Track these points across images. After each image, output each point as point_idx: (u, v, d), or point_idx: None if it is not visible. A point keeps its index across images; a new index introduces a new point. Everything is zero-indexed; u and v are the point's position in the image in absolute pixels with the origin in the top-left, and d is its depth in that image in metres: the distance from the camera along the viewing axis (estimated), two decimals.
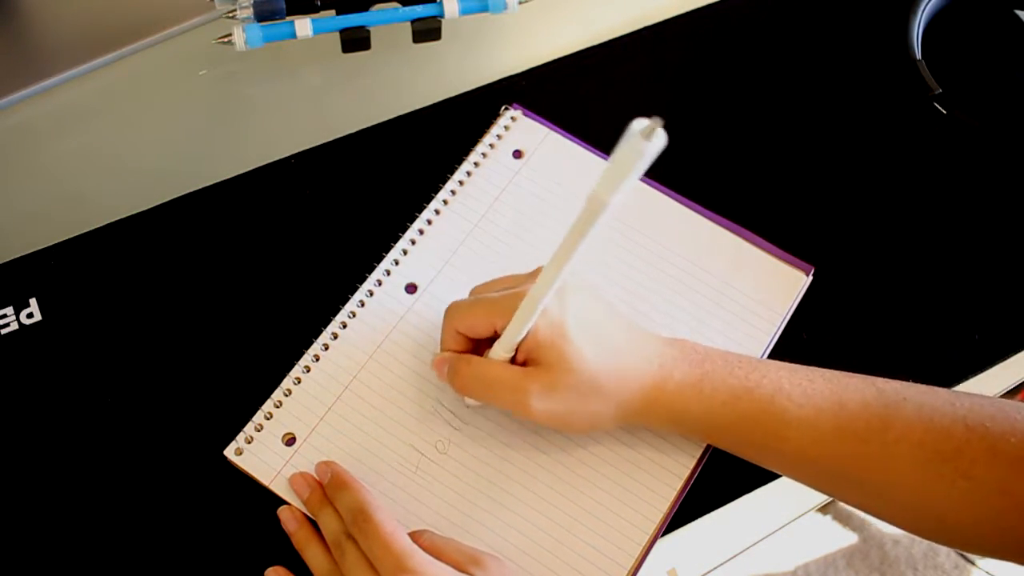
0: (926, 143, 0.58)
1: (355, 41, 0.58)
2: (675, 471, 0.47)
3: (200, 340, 0.50)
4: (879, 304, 0.53)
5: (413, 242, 0.53)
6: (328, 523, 0.44)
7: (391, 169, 0.56)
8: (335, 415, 0.48)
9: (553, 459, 0.47)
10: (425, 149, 0.57)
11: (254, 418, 0.48)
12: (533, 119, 0.57)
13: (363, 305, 0.51)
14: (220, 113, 0.59)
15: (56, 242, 0.53)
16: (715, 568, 0.48)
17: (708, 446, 0.47)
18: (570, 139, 0.56)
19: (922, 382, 0.50)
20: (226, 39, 0.56)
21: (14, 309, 0.51)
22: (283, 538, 0.45)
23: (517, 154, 0.55)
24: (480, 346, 0.46)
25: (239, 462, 0.46)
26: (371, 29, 0.58)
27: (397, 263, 0.52)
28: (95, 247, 0.53)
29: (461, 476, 0.47)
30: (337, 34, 0.57)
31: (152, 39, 0.60)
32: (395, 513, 0.45)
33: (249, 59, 0.60)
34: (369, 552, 0.41)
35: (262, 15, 0.56)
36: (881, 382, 0.43)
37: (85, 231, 0.53)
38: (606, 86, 0.59)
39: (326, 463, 0.46)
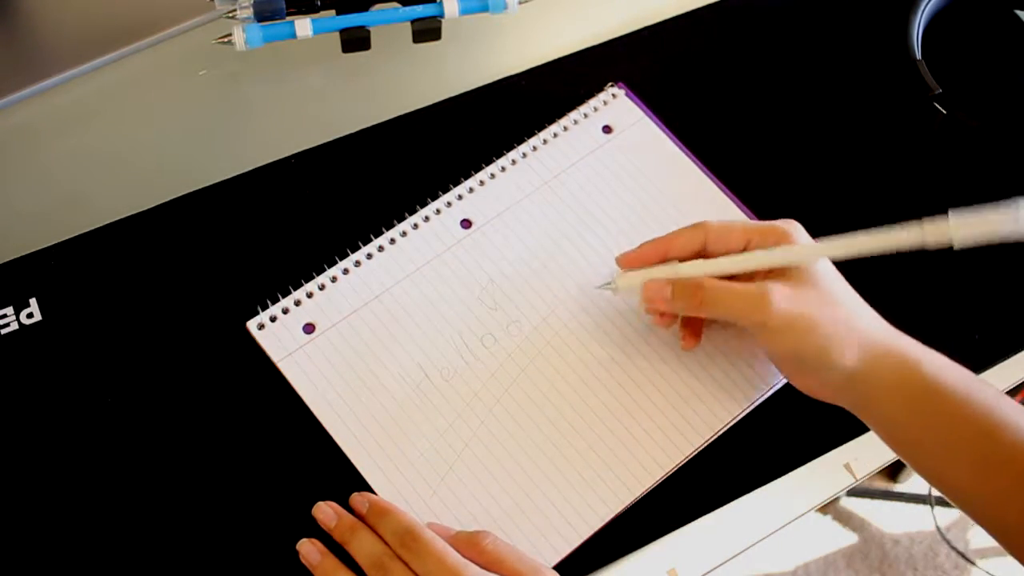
0: (926, 143, 0.58)
1: (355, 41, 0.58)
2: (657, 464, 0.47)
3: (200, 340, 0.50)
4: (878, 304, 0.53)
5: (482, 183, 0.54)
6: (365, 546, 0.44)
7: (391, 169, 0.56)
8: (358, 318, 0.50)
9: (547, 416, 0.48)
10: (425, 149, 0.57)
11: (283, 301, 0.50)
12: (633, 101, 0.58)
13: (416, 228, 0.53)
14: (220, 113, 0.59)
15: (56, 242, 0.53)
16: (715, 568, 0.48)
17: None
18: (663, 130, 0.57)
19: None
20: (226, 39, 0.56)
21: (14, 309, 0.51)
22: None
23: (607, 129, 0.57)
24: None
25: (258, 336, 0.50)
26: (371, 29, 0.58)
27: (460, 198, 0.54)
28: (95, 247, 0.53)
29: (455, 407, 0.48)
30: (337, 34, 0.57)
31: (152, 39, 0.60)
32: (378, 421, 0.48)
33: (249, 59, 0.60)
34: (422, 569, 0.41)
35: (262, 15, 0.56)
36: None
37: (85, 231, 0.53)
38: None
39: (361, 494, 0.46)
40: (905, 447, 0.45)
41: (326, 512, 0.45)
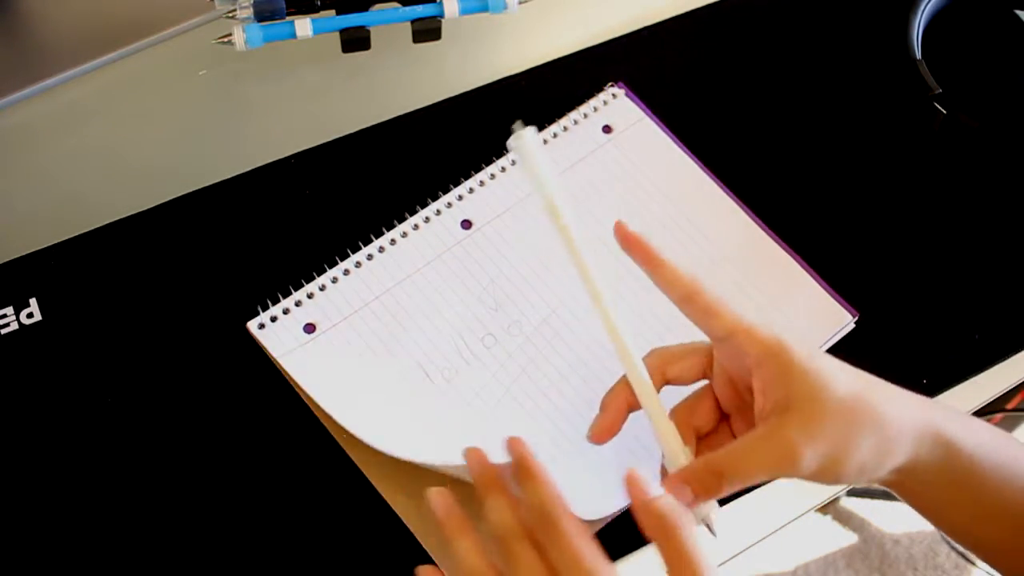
0: (926, 143, 0.58)
1: (355, 41, 0.58)
2: None
3: (200, 340, 0.50)
4: (878, 304, 0.53)
5: (482, 183, 0.55)
6: (498, 512, 0.37)
7: (391, 169, 0.56)
8: (359, 318, 0.50)
9: (547, 416, 0.48)
10: (425, 149, 0.57)
11: (284, 301, 0.50)
12: (633, 101, 0.58)
13: (417, 228, 0.53)
14: (220, 113, 0.59)
15: (56, 242, 0.53)
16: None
17: None
18: (663, 129, 0.57)
19: (922, 381, 0.50)
20: (226, 39, 0.56)
21: (14, 309, 0.51)
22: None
23: (607, 129, 0.57)
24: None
25: (259, 336, 0.49)
26: (371, 29, 0.58)
27: (461, 199, 0.54)
28: (95, 247, 0.53)
29: (457, 409, 0.48)
30: (337, 34, 0.57)
31: (152, 39, 0.60)
32: (379, 425, 0.47)
33: (249, 59, 0.60)
34: (556, 561, 0.35)
35: (262, 15, 0.56)
36: None
37: (85, 231, 0.53)
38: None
39: (516, 439, 0.39)
40: (946, 524, 0.43)
41: (475, 459, 0.39)
